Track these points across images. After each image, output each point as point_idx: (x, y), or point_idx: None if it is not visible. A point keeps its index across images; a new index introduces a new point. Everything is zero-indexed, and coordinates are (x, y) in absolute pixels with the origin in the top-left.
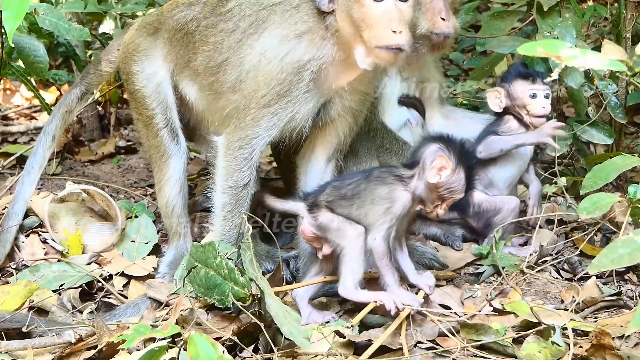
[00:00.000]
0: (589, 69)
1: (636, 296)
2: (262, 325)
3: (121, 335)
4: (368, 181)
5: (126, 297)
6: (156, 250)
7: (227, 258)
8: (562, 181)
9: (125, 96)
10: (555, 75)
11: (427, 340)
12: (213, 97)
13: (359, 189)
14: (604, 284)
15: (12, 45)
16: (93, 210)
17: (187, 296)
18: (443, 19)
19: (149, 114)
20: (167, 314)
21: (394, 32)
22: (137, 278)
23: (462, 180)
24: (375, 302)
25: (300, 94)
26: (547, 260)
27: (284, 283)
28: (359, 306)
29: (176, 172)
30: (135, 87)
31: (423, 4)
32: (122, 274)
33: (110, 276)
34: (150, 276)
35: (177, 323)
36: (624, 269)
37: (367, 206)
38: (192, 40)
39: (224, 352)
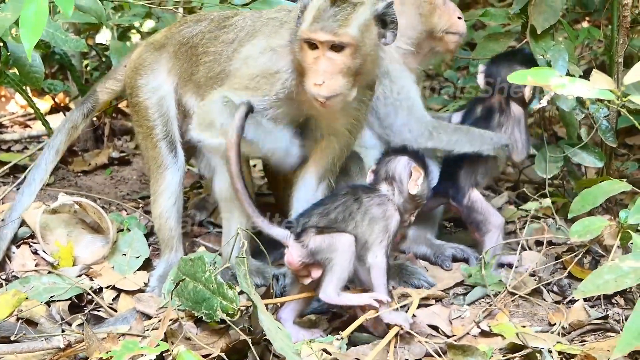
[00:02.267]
0: None
1: (623, 320)
2: (250, 341)
3: (109, 351)
4: (359, 202)
5: (115, 311)
6: (147, 265)
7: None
8: (547, 202)
9: (120, 106)
10: (544, 102)
11: None
12: None
13: (351, 210)
14: (592, 306)
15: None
16: (85, 222)
17: (175, 310)
18: (459, 18)
19: (149, 125)
20: (156, 323)
21: (316, 84)
22: (127, 292)
23: (430, 185)
24: (359, 306)
25: (270, 95)
26: (537, 281)
27: None
28: (347, 323)
29: (172, 185)
30: (139, 100)
31: (437, 7)
32: (113, 288)
33: (100, 289)
34: (140, 291)
35: (165, 336)
36: (611, 292)
37: (365, 226)
38: (196, 52)
39: None
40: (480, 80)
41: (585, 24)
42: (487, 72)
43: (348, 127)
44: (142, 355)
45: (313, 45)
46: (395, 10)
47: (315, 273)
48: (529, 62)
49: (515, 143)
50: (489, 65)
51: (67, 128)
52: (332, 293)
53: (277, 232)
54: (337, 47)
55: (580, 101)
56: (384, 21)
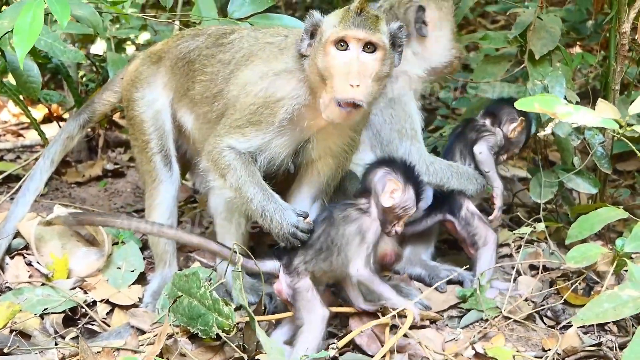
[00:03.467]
0: None
1: (616, 347)
2: (245, 357)
3: None
4: (334, 226)
5: (109, 325)
6: (142, 279)
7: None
8: (540, 227)
9: (114, 118)
10: (548, 130)
11: None
12: (207, 127)
13: (332, 236)
14: (585, 333)
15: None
16: (80, 234)
17: (170, 325)
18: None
19: (145, 138)
20: (152, 338)
21: (351, 85)
22: (121, 307)
23: (413, 196)
24: None
25: (273, 127)
26: (532, 306)
27: None
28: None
29: (166, 199)
30: (135, 113)
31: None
32: (107, 302)
33: (95, 302)
34: (134, 306)
35: (160, 353)
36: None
37: (344, 248)
38: (192, 68)
39: None
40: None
41: (577, 49)
42: (488, 107)
43: (345, 147)
44: None
45: (343, 47)
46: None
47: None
48: (528, 116)
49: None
50: (489, 106)
51: (63, 138)
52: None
53: (268, 265)
54: (370, 48)
55: (576, 127)
56: (394, 43)
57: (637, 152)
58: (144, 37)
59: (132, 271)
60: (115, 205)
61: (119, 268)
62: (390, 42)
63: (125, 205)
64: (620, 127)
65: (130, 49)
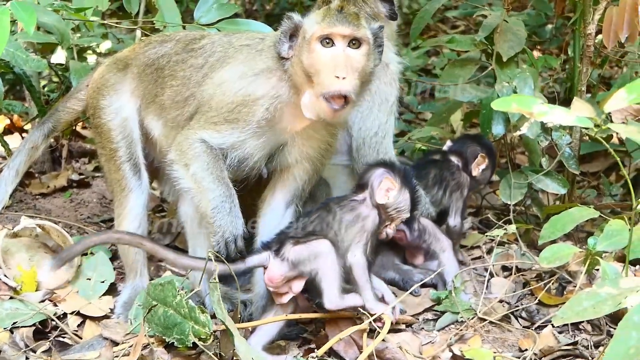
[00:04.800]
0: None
1: (591, 345)
2: None
3: None
4: (332, 213)
5: (81, 338)
6: (112, 289)
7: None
8: (512, 228)
9: (78, 129)
10: (524, 130)
11: None
12: (175, 133)
13: (327, 221)
14: (560, 332)
15: None
16: (47, 245)
17: (145, 335)
18: None
19: (112, 147)
20: (127, 349)
21: (337, 77)
22: (93, 318)
23: (408, 200)
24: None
25: (250, 126)
26: (507, 307)
27: None
28: (318, 345)
29: (136, 207)
30: (102, 121)
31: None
32: (77, 314)
33: (65, 315)
34: (106, 317)
35: None
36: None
37: (342, 233)
38: (162, 75)
39: None
40: (446, 147)
41: (537, 53)
42: (452, 148)
43: (322, 152)
44: None
45: (329, 44)
46: None
47: (297, 287)
48: (490, 149)
49: (452, 206)
50: (455, 143)
51: (27, 148)
52: (335, 299)
53: (255, 259)
54: (355, 44)
55: (544, 128)
56: (375, 42)
57: (610, 150)
58: (106, 45)
59: (103, 282)
60: (81, 216)
61: (89, 279)
62: (373, 40)
63: (92, 215)
64: (597, 126)
65: (91, 57)
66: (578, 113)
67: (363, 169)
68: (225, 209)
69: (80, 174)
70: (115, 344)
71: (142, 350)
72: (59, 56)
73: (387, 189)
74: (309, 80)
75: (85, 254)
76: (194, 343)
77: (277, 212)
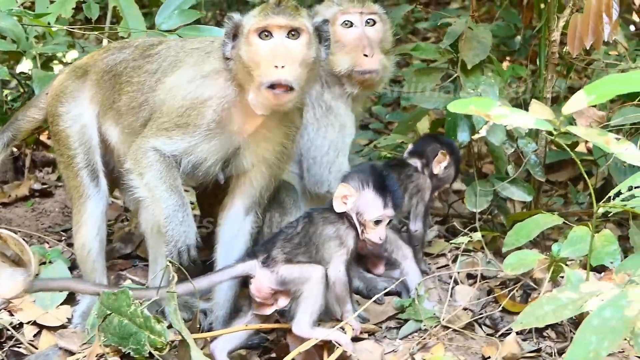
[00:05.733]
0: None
1: (555, 353)
2: None
3: None
4: (313, 224)
5: (36, 348)
6: (71, 299)
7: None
8: (477, 236)
9: (42, 138)
10: (483, 132)
11: None
12: (131, 140)
13: (310, 233)
14: (524, 340)
15: None
16: (4, 254)
17: (100, 345)
18: (365, 55)
19: (70, 153)
20: (82, 358)
21: (276, 66)
22: (49, 328)
23: (391, 203)
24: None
25: (200, 129)
26: (470, 315)
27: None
28: (279, 355)
29: (94, 215)
30: (60, 128)
31: (347, 44)
32: (34, 323)
33: (21, 324)
34: (63, 327)
35: None
36: (543, 326)
37: (323, 247)
38: (119, 81)
39: None
40: (407, 152)
41: (506, 64)
42: (412, 150)
43: (278, 156)
44: None
45: (267, 36)
46: None
47: (282, 302)
48: (451, 146)
49: (412, 211)
50: (415, 145)
51: None
52: (306, 327)
53: (240, 268)
54: (294, 34)
55: (509, 135)
56: (319, 36)
57: (573, 156)
58: (72, 55)
59: (61, 291)
60: (43, 225)
61: None
62: (316, 35)
63: (54, 225)
64: (555, 129)
65: (57, 67)
66: (537, 116)
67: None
68: (178, 218)
69: (44, 184)
70: (72, 353)
71: None
72: (25, 66)
73: (344, 196)
74: (249, 75)
75: (44, 263)
76: (150, 353)
77: (236, 219)
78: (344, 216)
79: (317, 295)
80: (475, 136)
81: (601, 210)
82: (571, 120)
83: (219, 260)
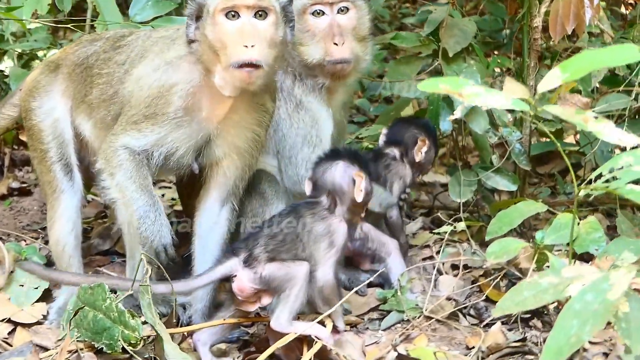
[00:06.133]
0: (493, 116)
1: (540, 342)
2: None
3: None
4: (300, 220)
5: (11, 346)
6: (47, 296)
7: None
8: (461, 225)
9: (22, 138)
10: (457, 114)
11: None
12: (104, 134)
13: (297, 230)
14: (509, 329)
15: None
16: None
17: (74, 341)
18: (336, 44)
19: (43, 147)
20: (54, 355)
21: (246, 46)
22: (24, 325)
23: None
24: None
25: (168, 118)
26: (454, 305)
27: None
28: (259, 349)
29: (68, 210)
30: (33, 122)
31: (317, 33)
32: (8, 321)
33: None
34: (39, 324)
35: None
36: (529, 315)
37: (311, 246)
38: (90, 74)
39: None
40: (381, 140)
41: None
42: (389, 138)
43: (250, 144)
44: None
45: (234, 16)
46: None
47: (266, 300)
48: (427, 128)
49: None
50: (390, 130)
51: None
52: (285, 322)
53: (222, 268)
54: (261, 14)
55: (493, 123)
56: (285, 17)
57: (555, 141)
58: (53, 53)
59: (36, 288)
60: (21, 223)
61: (22, 285)
62: (283, 15)
63: (32, 223)
64: (537, 118)
65: None
66: (511, 94)
67: (316, 168)
68: (150, 218)
69: (23, 182)
70: (46, 350)
71: (70, 355)
72: (7, 65)
73: (360, 185)
74: (216, 55)
75: (19, 260)
76: (124, 348)
77: (212, 211)
78: (333, 211)
79: (298, 293)
80: (450, 117)
81: (583, 193)
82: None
83: (196, 254)
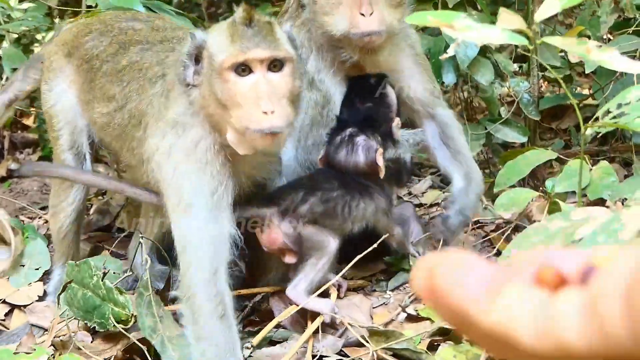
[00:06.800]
0: (499, 66)
1: None
2: (145, 349)
3: None
4: (350, 194)
5: (7, 328)
6: (46, 277)
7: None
8: None
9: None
10: (451, 51)
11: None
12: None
13: (346, 203)
14: None
15: None
16: None
17: (64, 320)
18: (362, 15)
19: (54, 135)
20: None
21: (265, 112)
22: (21, 307)
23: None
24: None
25: (214, 176)
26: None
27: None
28: (262, 319)
29: (76, 201)
30: (45, 107)
31: (343, 1)
32: (3, 302)
33: None
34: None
35: (55, 349)
36: None
37: (357, 223)
38: (94, 78)
39: None
40: None
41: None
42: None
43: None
44: None
45: (245, 72)
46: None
47: (290, 259)
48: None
49: None
50: None
51: None
52: (300, 292)
53: (255, 211)
54: (276, 66)
55: (499, 74)
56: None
57: (565, 89)
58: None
59: (37, 269)
60: (21, 204)
61: (23, 266)
62: (298, 60)
63: (32, 203)
64: (528, 39)
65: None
66: (506, 25)
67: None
68: None
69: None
70: (44, 329)
71: (63, 335)
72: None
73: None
74: (227, 113)
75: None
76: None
77: None
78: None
79: (324, 266)
80: (443, 56)
81: (590, 132)
82: None
83: None
